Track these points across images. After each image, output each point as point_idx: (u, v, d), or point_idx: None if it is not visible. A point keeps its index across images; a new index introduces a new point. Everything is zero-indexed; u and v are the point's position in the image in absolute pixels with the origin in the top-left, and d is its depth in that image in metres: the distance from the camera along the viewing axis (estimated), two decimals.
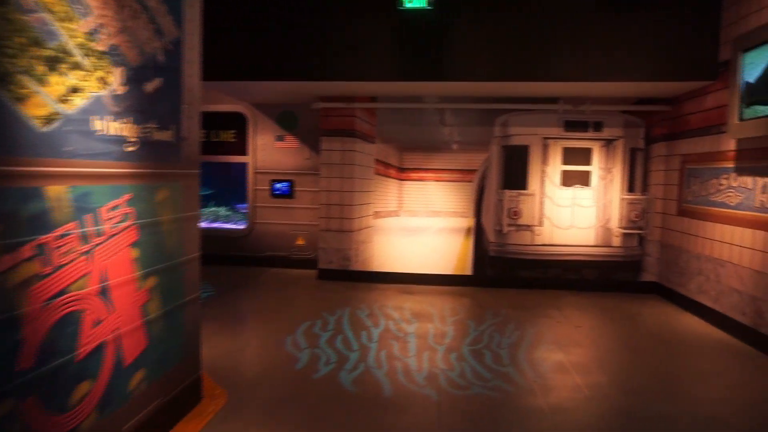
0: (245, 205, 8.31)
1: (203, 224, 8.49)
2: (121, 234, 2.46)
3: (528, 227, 6.89)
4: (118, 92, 2.38)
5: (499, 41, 5.76)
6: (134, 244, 2.58)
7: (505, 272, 6.99)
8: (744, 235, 4.99)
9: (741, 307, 5.01)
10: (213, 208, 8.87)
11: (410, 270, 7.15)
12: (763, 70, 4.53)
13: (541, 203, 6.86)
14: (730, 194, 5.22)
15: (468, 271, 7.08)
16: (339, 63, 6.01)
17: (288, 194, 8.06)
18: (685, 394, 3.72)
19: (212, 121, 8.21)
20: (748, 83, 4.72)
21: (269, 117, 8.04)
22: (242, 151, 8.15)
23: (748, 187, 4.93)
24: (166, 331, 2.93)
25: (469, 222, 7.11)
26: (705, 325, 5.44)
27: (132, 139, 2.50)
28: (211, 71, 6.25)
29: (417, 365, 4.16)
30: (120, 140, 2.42)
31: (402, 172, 7.21)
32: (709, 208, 5.58)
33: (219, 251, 8.24)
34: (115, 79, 2.36)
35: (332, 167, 7.15)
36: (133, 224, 2.56)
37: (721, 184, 5.39)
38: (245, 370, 4.04)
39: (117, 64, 2.37)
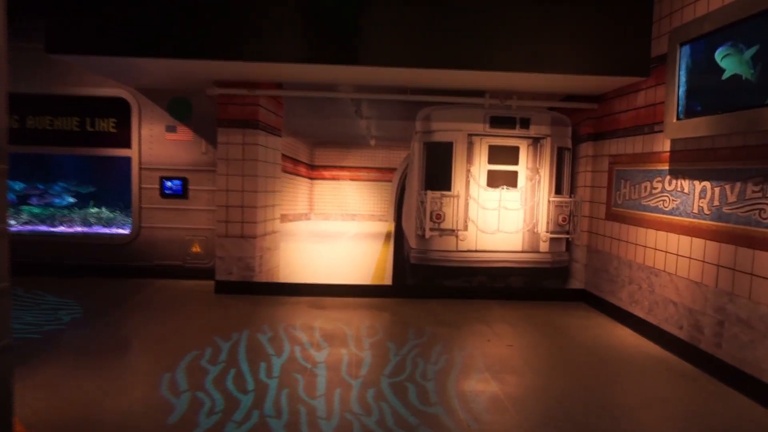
0: None
1: (78, 228, 7.19)
2: None
3: (452, 232, 6.29)
4: None
5: (421, 24, 5.09)
6: None
7: (428, 281, 6.36)
8: (680, 243, 4.64)
9: (677, 320, 4.67)
10: (94, 210, 7.54)
11: (322, 281, 6.33)
12: (703, 65, 4.17)
13: (466, 206, 6.28)
14: (665, 198, 4.87)
15: (387, 280, 6.37)
16: (238, 40, 5.08)
17: (181, 194, 6.95)
18: None
19: (87, 107, 6.92)
20: (686, 79, 4.35)
21: (158, 104, 6.89)
22: (125, 144, 6.93)
23: (685, 191, 4.58)
24: None
25: (388, 226, 6.40)
26: (639, 338, 5.07)
27: None
28: (76, 42, 5.09)
29: (326, 409, 3.35)
30: None
31: (313, 170, 6.37)
32: (641, 212, 5.23)
33: (96, 261, 6.97)
34: None
35: (232, 163, 6.17)
36: None
37: (654, 188, 5.04)
38: (97, 430, 3.05)
39: None
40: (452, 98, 6.18)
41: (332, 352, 4.40)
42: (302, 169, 6.34)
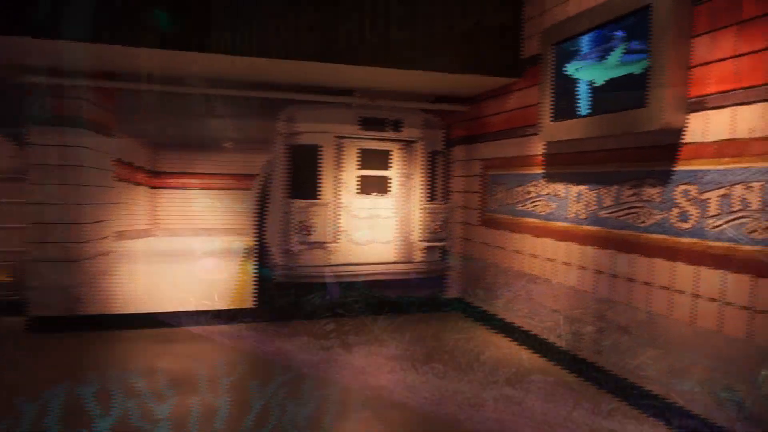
0: None
1: None
2: None
3: (321, 245, 5.69)
4: None
5: (280, 10, 4.45)
6: None
7: (296, 301, 5.68)
8: (557, 249, 4.52)
9: (555, 328, 4.53)
10: None
11: (171, 308, 5.35)
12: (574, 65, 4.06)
13: (336, 215, 5.73)
14: (540, 203, 4.74)
15: (249, 303, 5.58)
16: (48, 9, 4.00)
17: None
18: None
19: None
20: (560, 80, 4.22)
21: None
22: None
23: (561, 195, 4.46)
24: None
25: (248, 241, 5.61)
26: (520, 348, 4.87)
27: None
28: None
29: None
30: None
31: (156, 178, 5.39)
32: (517, 217, 5.08)
33: None
34: None
35: (48, 170, 4.98)
36: None
37: (529, 192, 4.90)
38: None
39: None
40: (319, 97, 5.60)
41: (179, 403, 3.54)
42: (142, 177, 5.32)
